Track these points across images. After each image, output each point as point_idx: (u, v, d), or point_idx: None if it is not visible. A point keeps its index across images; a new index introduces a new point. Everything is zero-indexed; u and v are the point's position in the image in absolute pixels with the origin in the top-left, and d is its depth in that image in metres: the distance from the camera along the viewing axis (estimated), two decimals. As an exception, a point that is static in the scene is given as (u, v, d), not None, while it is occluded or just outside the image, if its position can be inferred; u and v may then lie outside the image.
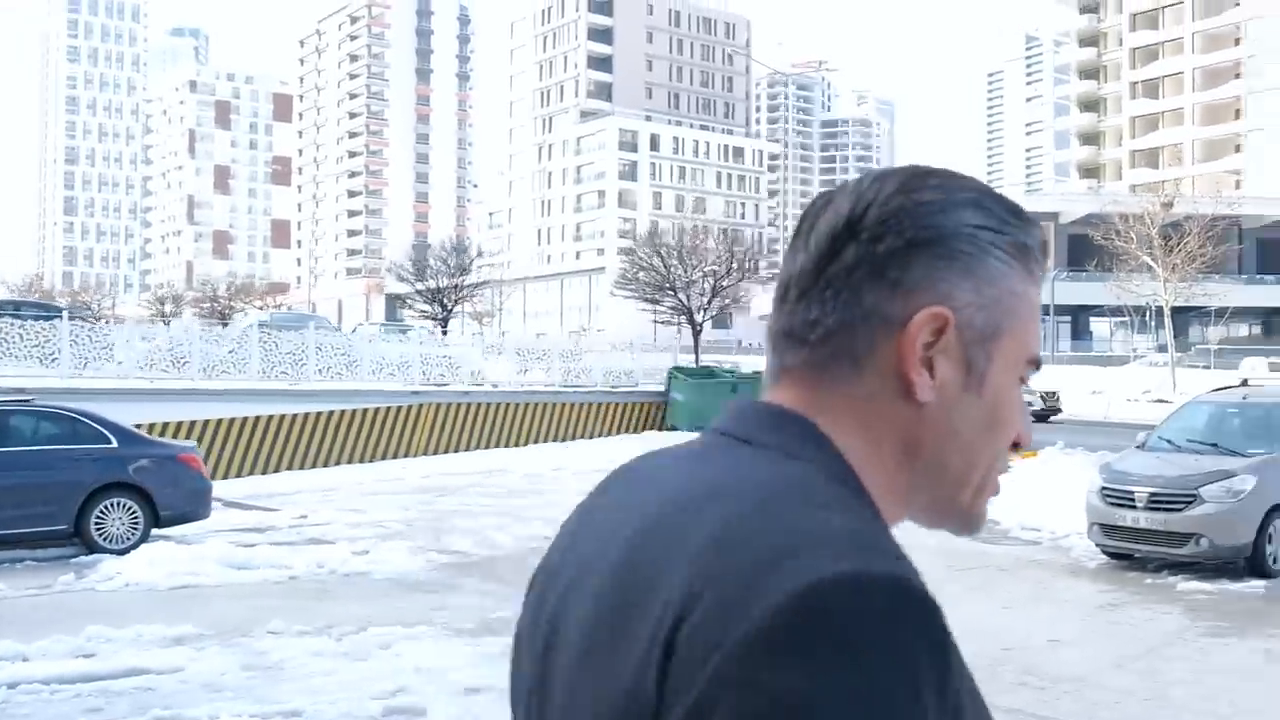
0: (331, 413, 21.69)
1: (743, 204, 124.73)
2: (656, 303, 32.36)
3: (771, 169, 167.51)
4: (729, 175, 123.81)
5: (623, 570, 0.85)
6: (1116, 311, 40.69)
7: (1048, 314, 65.57)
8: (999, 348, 0.93)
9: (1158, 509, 11.05)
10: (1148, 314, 48.80)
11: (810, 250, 0.94)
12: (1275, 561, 10.97)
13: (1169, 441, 12.34)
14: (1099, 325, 74.41)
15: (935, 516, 0.97)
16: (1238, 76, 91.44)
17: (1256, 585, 10.55)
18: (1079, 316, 70.74)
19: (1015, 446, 0.98)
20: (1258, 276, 72.29)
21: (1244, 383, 14.93)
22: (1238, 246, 43.96)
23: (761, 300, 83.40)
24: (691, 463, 0.93)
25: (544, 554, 1.01)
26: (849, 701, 0.72)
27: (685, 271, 30.80)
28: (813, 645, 0.73)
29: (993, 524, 14.11)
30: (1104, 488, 11.59)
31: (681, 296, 30.73)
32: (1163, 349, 60.45)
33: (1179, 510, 10.94)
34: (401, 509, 15.99)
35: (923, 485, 0.94)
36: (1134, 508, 11.19)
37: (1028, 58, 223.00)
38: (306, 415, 21.32)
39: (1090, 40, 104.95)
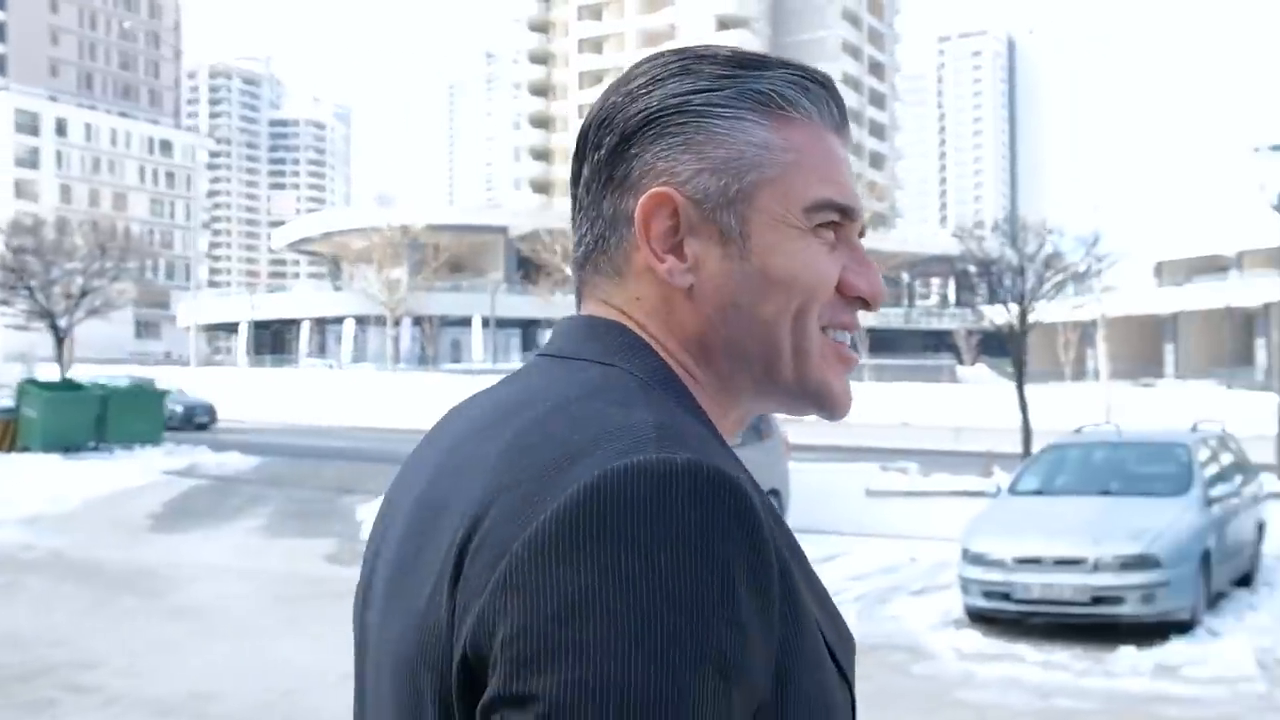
0: None
1: (173, 203, 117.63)
2: (6, 304, 28.95)
3: (212, 167, 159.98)
4: (156, 170, 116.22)
5: (422, 497, 0.86)
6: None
7: (495, 326, 67.83)
8: (753, 205, 0.91)
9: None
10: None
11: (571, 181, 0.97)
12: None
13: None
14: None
15: (773, 401, 0.95)
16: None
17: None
18: (530, 330, 73.73)
19: (862, 302, 0.95)
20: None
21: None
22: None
23: (189, 309, 78.77)
24: (505, 385, 0.93)
25: None
26: (642, 593, 0.70)
27: (44, 269, 27.65)
28: (602, 539, 0.72)
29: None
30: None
31: (40, 297, 27.56)
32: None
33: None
34: None
35: (734, 374, 0.93)
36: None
37: (488, 73, 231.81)
38: None
39: (541, 59, 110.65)
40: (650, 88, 0.92)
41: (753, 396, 0.94)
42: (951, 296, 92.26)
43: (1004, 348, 71.38)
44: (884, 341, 68.93)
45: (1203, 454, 10.78)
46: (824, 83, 0.95)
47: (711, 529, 0.73)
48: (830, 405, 0.94)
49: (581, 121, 0.96)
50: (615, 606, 0.70)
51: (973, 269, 19.51)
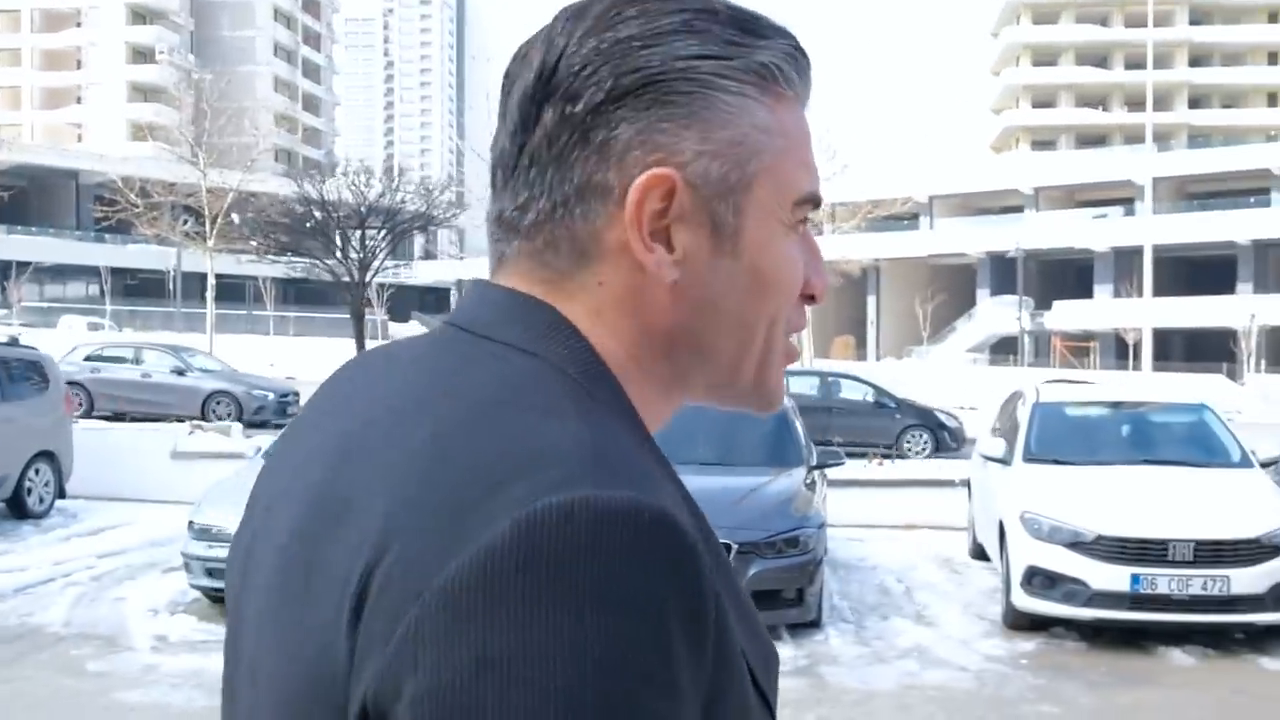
0: None
1: None
2: None
3: None
4: None
5: (316, 498, 0.77)
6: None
7: None
8: (751, 197, 0.84)
9: None
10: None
11: (508, 121, 0.86)
12: None
13: None
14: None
15: (720, 399, 0.91)
16: (79, 25, 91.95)
17: None
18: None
19: (810, 299, 0.90)
20: (95, 234, 73.22)
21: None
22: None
23: None
24: (413, 364, 0.84)
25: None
26: (570, 656, 0.64)
27: None
28: (526, 592, 0.65)
29: None
30: None
31: None
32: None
33: None
34: None
35: (693, 370, 0.87)
36: None
37: None
38: None
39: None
40: (650, 44, 0.81)
41: (703, 390, 0.89)
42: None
43: (441, 304, 71.53)
44: (313, 294, 67.25)
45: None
46: (808, 54, 0.88)
47: (649, 578, 0.67)
48: (773, 405, 0.91)
49: (543, 61, 0.83)
50: (538, 670, 0.64)
51: (317, 215, 18.70)
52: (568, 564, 0.66)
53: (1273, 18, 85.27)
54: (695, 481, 7.33)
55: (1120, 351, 57.00)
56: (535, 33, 0.86)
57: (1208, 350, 53.73)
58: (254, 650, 0.79)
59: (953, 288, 63.81)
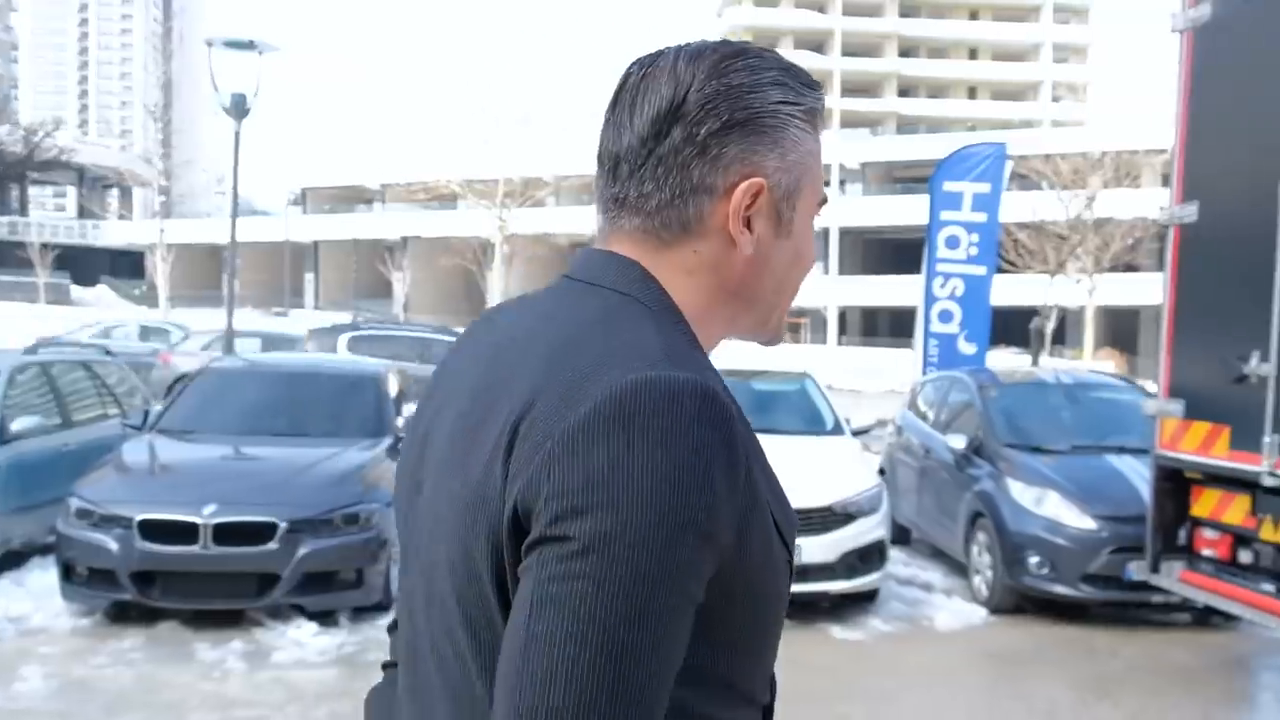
0: None
1: None
2: None
3: None
4: None
5: (479, 387, 1.17)
6: None
7: None
8: (800, 198, 1.26)
9: None
10: None
11: (636, 129, 1.22)
12: None
13: None
14: None
15: (751, 334, 1.32)
16: None
17: None
18: None
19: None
20: None
21: None
22: None
23: None
24: (540, 301, 1.25)
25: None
26: (647, 471, 1.01)
27: None
28: (622, 431, 1.02)
29: None
30: None
31: None
32: None
33: None
34: None
35: (744, 314, 1.28)
36: None
37: None
38: None
39: None
40: (754, 90, 1.21)
41: (747, 327, 1.30)
42: (73, 207, 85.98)
43: (135, 268, 67.00)
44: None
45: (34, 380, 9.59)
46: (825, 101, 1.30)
47: (699, 430, 1.03)
48: (780, 339, 1.34)
49: (674, 93, 1.20)
50: (629, 480, 1.00)
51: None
52: (646, 415, 1.02)
53: (973, 15, 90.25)
54: (258, 452, 6.18)
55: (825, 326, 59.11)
56: (652, 57, 1.24)
57: (906, 326, 56.23)
58: (435, 485, 1.18)
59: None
